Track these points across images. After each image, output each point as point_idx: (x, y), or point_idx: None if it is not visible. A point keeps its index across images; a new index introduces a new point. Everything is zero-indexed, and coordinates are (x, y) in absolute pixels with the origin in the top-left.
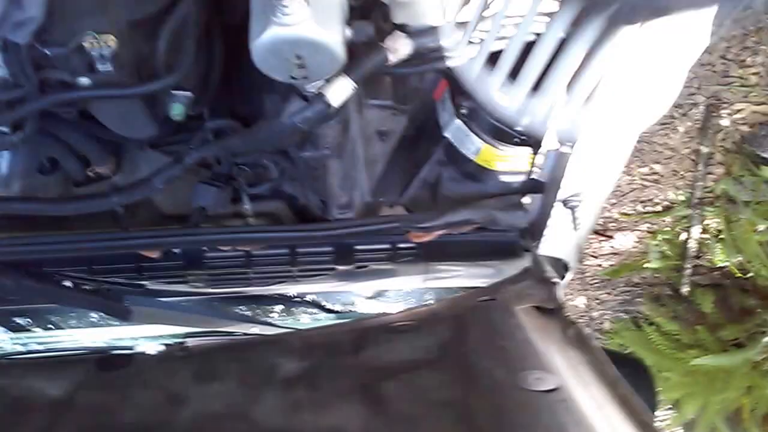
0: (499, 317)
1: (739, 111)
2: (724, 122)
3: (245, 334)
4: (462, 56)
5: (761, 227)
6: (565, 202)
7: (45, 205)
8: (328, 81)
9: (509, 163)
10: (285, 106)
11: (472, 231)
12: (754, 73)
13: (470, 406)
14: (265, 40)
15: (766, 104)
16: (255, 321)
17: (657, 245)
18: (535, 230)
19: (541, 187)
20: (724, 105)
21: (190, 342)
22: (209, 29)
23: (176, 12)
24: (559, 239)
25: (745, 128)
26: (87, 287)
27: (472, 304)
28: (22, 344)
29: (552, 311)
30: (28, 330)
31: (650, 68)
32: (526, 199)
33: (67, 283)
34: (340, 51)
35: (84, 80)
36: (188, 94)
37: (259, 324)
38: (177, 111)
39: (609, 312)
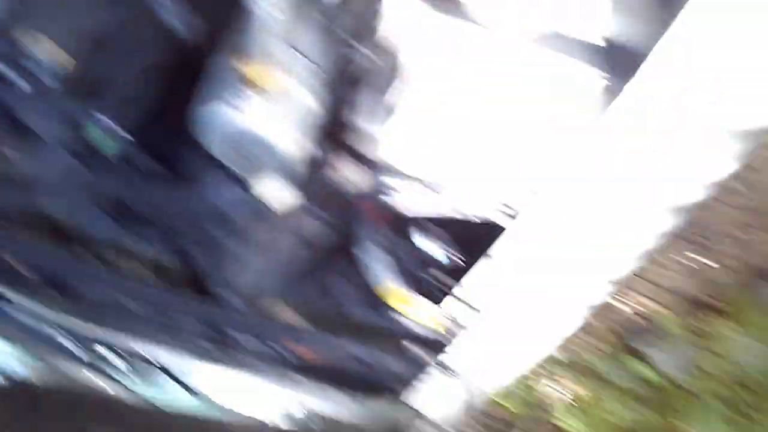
0: None
1: (636, 301)
2: (620, 305)
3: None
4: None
5: (616, 410)
6: (449, 369)
7: None
8: (273, 182)
9: (410, 308)
10: (221, 186)
11: (351, 360)
12: (664, 275)
13: None
14: (216, 116)
15: (661, 305)
16: (100, 371)
17: (519, 388)
18: (410, 381)
19: (433, 345)
20: (626, 289)
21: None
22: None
23: (134, 34)
24: (440, 400)
25: (634, 318)
26: None
27: None
28: None
29: None
30: None
31: None
32: (415, 348)
33: None
34: (292, 159)
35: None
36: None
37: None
38: (104, 142)
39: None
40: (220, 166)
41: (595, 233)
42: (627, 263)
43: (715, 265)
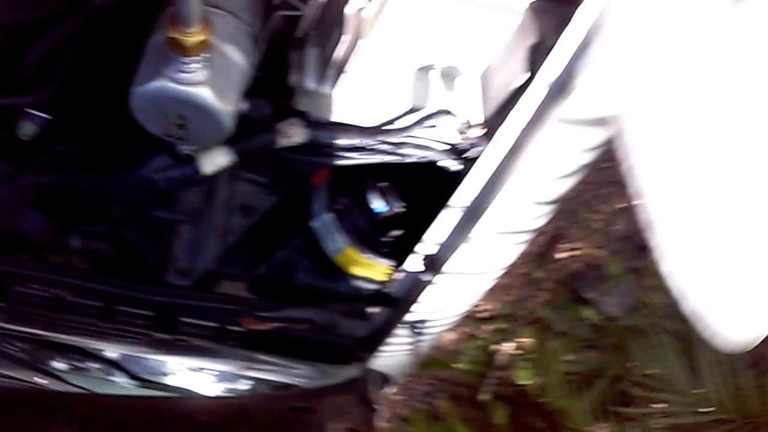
0: None
1: (577, 249)
2: (561, 255)
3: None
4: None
5: (567, 358)
6: (410, 325)
7: None
8: (206, 147)
9: (366, 270)
10: (150, 158)
11: (308, 328)
12: (598, 219)
13: None
14: (149, 89)
15: (601, 249)
16: (42, 371)
17: (470, 349)
18: (372, 343)
19: (391, 303)
20: (566, 240)
21: None
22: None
23: (62, 25)
24: (393, 354)
25: (577, 266)
26: None
27: (287, 411)
28: None
29: None
30: None
31: None
32: (372, 309)
33: None
34: (228, 123)
35: None
36: (46, 116)
37: (47, 376)
38: (27, 130)
39: (410, 400)
40: (154, 140)
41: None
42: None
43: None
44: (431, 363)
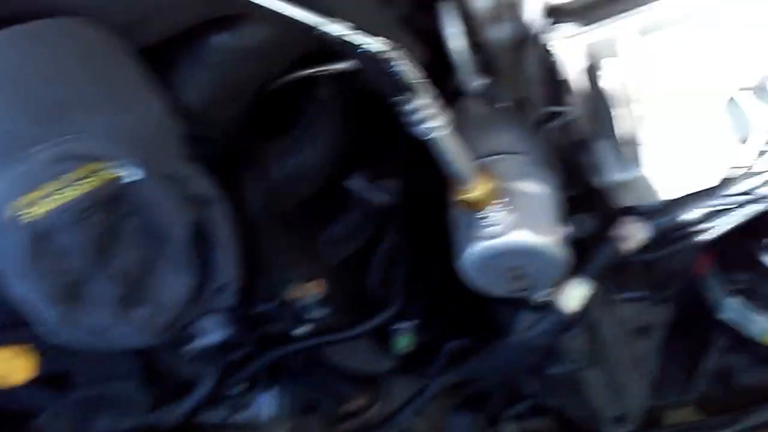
0: None
1: None
2: None
3: None
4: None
5: None
6: None
7: None
8: (557, 286)
9: None
10: (516, 320)
11: None
12: None
13: None
14: (469, 257)
15: None
16: None
17: None
18: None
19: None
20: None
21: None
22: (420, 249)
23: (385, 241)
24: None
25: None
26: None
27: None
28: None
29: None
30: None
31: None
32: None
33: None
34: (559, 253)
35: (300, 331)
36: (411, 323)
37: None
38: (402, 345)
39: None
40: (506, 302)
41: None
42: None
43: None
44: None
